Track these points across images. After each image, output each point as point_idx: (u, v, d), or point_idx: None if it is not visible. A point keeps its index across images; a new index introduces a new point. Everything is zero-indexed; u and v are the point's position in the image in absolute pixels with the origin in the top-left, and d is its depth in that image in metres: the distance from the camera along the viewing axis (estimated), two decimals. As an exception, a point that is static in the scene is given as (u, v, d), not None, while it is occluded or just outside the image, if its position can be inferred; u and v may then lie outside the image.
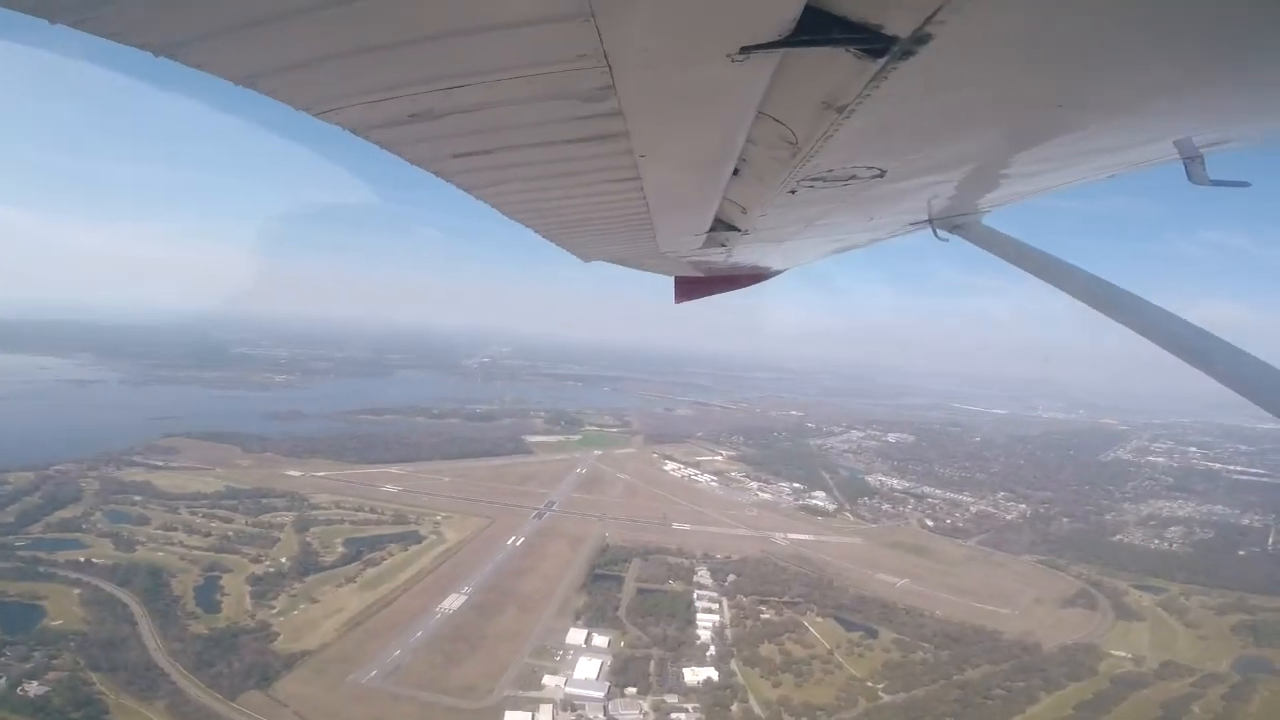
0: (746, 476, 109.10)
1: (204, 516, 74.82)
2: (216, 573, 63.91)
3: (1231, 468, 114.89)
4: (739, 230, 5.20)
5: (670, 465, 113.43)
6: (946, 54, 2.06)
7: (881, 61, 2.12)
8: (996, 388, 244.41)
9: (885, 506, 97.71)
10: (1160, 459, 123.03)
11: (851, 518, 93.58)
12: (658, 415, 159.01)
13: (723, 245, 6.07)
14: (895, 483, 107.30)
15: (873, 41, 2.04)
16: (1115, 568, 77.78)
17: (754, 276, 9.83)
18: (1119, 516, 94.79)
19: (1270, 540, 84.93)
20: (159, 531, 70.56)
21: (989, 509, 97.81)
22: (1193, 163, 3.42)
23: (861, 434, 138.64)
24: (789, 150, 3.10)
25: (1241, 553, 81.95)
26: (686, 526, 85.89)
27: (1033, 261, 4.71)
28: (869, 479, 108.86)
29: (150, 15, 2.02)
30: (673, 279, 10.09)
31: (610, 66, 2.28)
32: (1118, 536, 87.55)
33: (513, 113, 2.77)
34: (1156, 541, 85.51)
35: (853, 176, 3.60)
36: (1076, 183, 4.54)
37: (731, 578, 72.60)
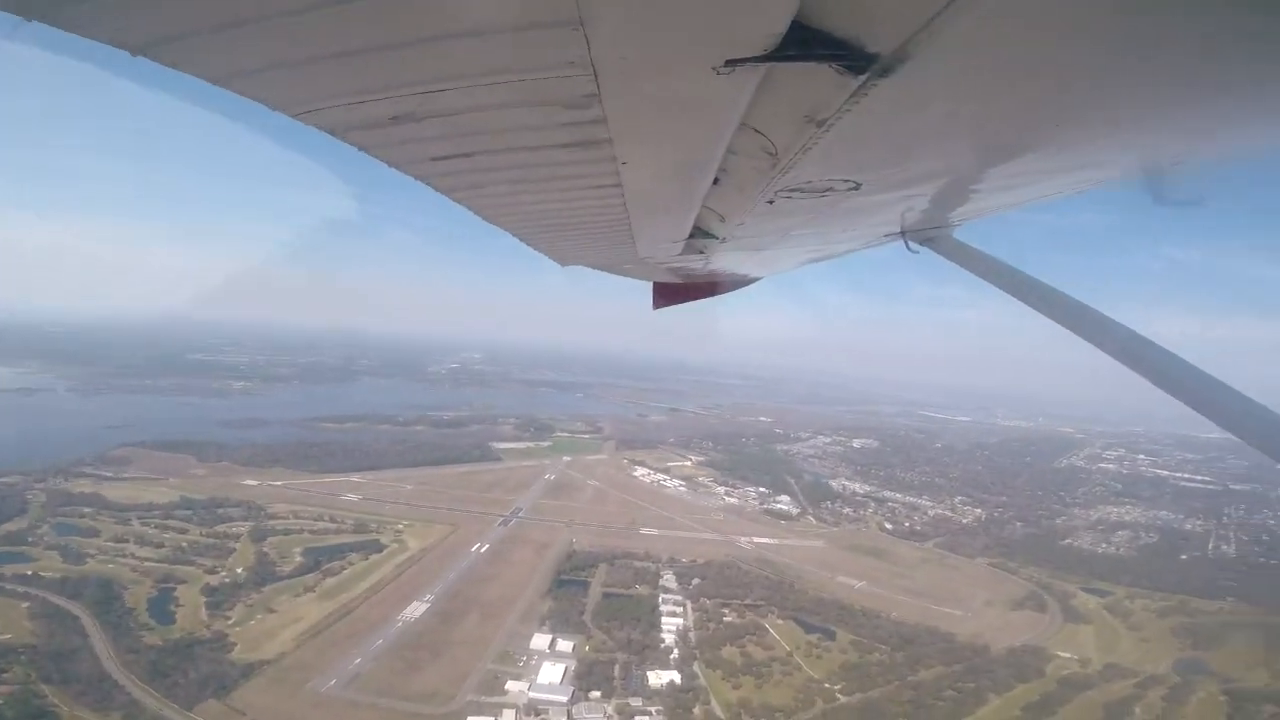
0: (714, 481, 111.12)
1: (157, 528, 74.01)
2: (170, 584, 63.53)
3: (1178, 475, 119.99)
4: (717, 238, 5.30)
5: (640, 471, 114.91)
6: (925, 73, 2.16)
7: (862, 78, 2.21)
8: (961, 396, 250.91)
9: (847, 510, 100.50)
10: (1111, 466, 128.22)
11: (814, 521, 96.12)
12: (630, 421, 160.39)
13: (701, 252, 6.14)
14: (858, 487, 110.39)
15: (855, 58, 2.13)
16: (1064, 571, 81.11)
17: (731, 284, 9.88)
18: (1069, 521, 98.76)
19: (1210, 545, 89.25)
20: (110, 543, 69.71)
21: (946, 513, 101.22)
22: (1156, 182, 3.55)
23: (828, 440, 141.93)
24: (769, 161, 3.17)
25: (1184, 557, 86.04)
26: (654, 531, 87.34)
27: (999, 275, 4.83)
28: (833, 483, 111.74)
29: (128, 14, 2.03)
30: (650, 285, 10.18)
31: (596, 74, 2.32)
32: (1067, 540, 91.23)
33: (496, 117, 2.82)
34: (1104, 546, 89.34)
35: (830, 188, 3.70)
36: (1046, 198, 4.72)
37: (696, 581, 74.27)
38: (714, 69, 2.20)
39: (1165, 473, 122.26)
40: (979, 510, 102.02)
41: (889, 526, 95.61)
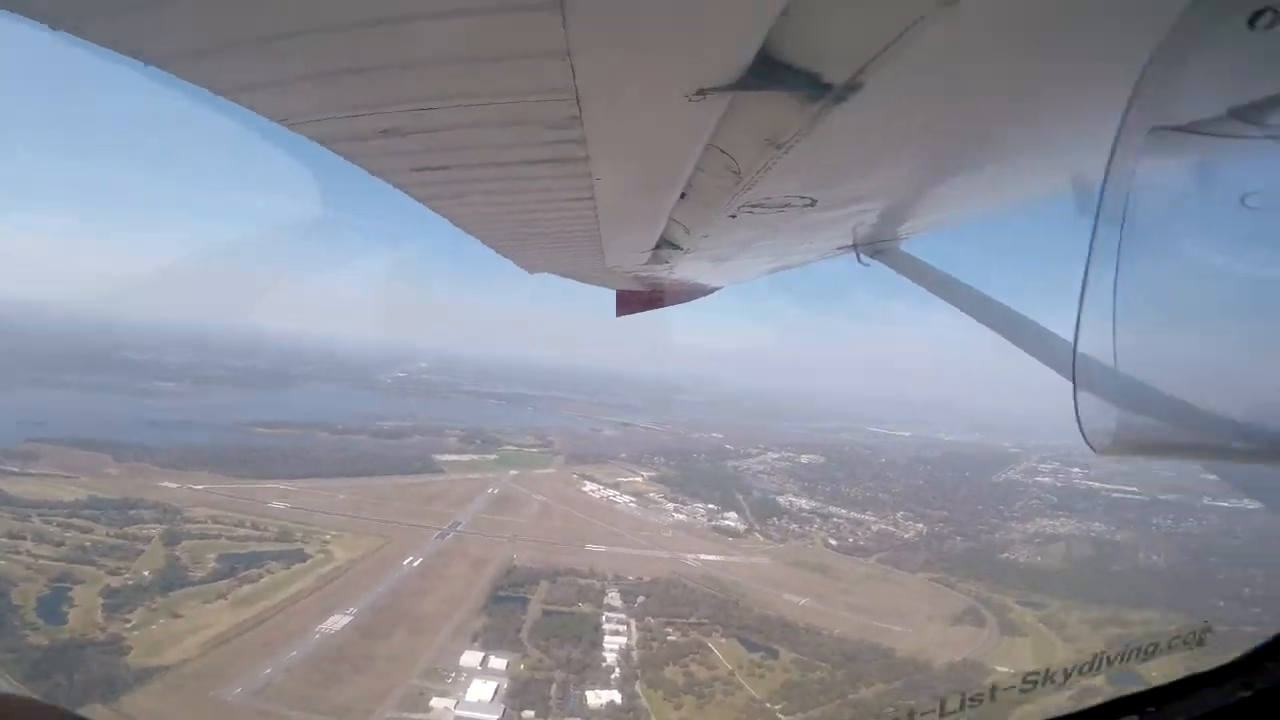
0: (664, 498, 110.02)
1: (59, 525, 69.21)
2: (66, 583, 59.41)
3: (1109, 486, 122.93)
4: (681, 249, 5.49)
5: (590, 486, 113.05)
6: (873, 100, 2.36)
7: (819, 105, 2.40)
8: (905, 409, 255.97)
9: (793, 526, 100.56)
10: (1047, 479, 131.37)
11: (761, 538, 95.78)
12: (582, 436, 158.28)
13: (666, 262, 6.37)
14: (804, 503, 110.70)
15: (812, 87, 2.31)
16: (1002, 585, 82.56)
17: (693, 292, 10.28)
18: (1007, 535, 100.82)
19: (1140, 555, 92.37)
20: (2, 539, 65.00)
21: (889, 528, 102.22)
22: (1084, 199, 3.76)
23: (777, 456, 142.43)
24: (733, 179, 3.35)
25: (1116, 568, 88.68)
26: (601, 548, 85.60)
27: (942, 286, 5.11)
28: (780, 499, 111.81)
29: (147, 28, 2.12)
30: (614, 293, 10.42)
31: (579, 100, 2.46)
32: (1005, 554, 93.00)
33: (480, 134, 2.93)
34: (1040, 558, 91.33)
35: (787, 204, 3.89)
36: (988, 213, 5.12)
37: (641, 599, 72.88)
38: (687, 96, 2.41)
39: (1098, 484, 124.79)
40: (920, 525, 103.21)
41: (833, 542, 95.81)
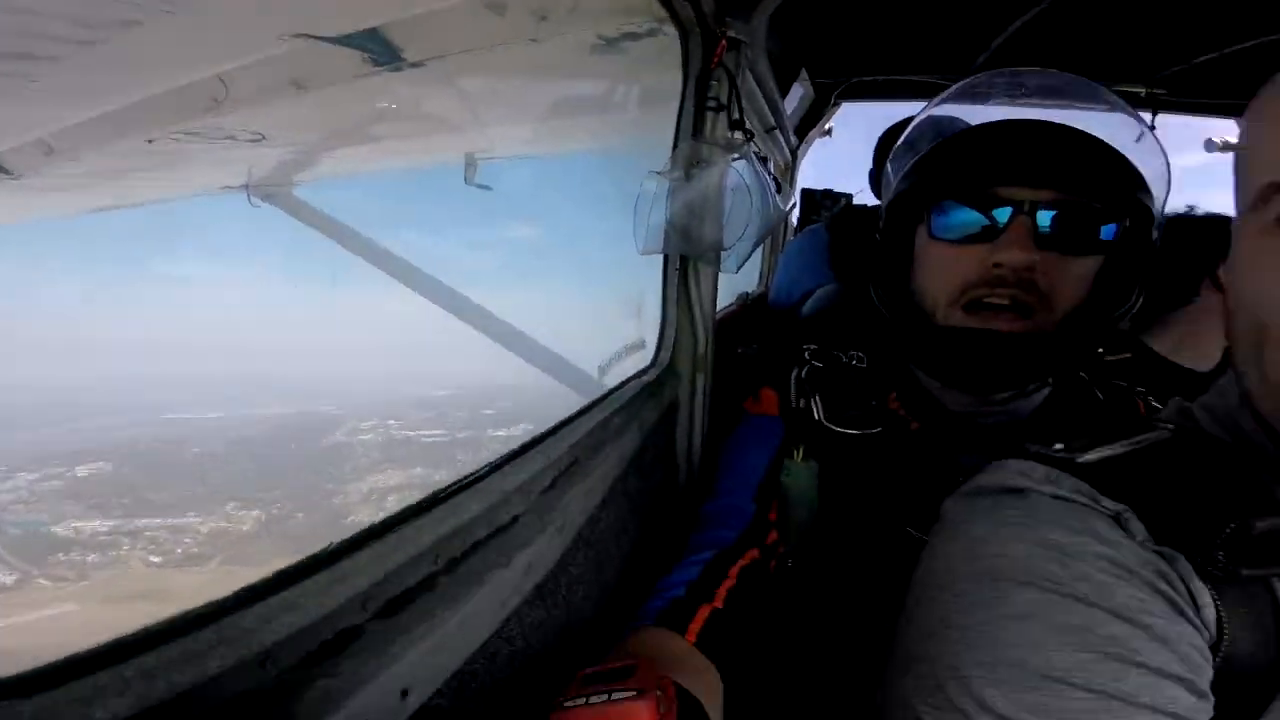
0: None
1: None
2: None
3: (420, 432, 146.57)
4: (8, 172, 3.76)
5: None
6: (416, 78, 2.81)
7: (379, 68, 2.71)
8: (211, 387, 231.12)
9: (92, 557, 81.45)
10: (369, 436, 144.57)
11: (47, 583, 73.77)
12: None
13: None
14: (98, 524, 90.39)
15: (389, 57, 2.63)
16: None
17: None
18: (346, 499, 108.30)
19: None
20: None
21: (222, 524, 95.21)
22: (470, 168, 4.49)
23: (34, 476, 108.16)
24: (210, 105, 2.97)
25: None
26: None
27: (336, 231, 5.14)
28: (58, 530, 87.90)
29: None
30: None
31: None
32: (351, 518, 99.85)
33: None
34: (381, 513, 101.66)
35: (232, 136, 3.67)
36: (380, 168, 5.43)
37: None
38: (283, 36, 2.50)
39: (411, 433, 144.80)
40: (257, 512, 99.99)
41: (157, 559, 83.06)
